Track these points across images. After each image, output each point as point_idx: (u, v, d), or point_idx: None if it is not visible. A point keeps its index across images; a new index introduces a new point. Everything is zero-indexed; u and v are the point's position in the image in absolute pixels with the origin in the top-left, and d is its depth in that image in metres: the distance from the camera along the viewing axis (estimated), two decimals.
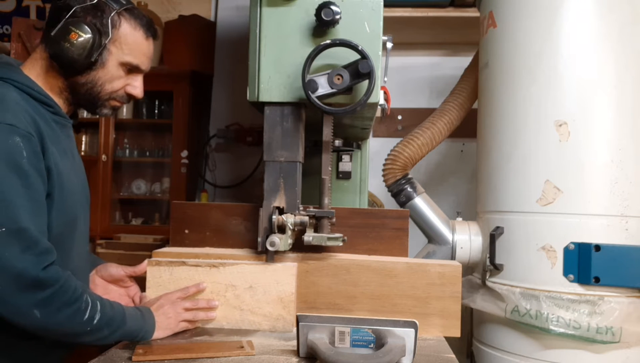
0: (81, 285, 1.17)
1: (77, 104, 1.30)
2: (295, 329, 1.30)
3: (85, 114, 3.08)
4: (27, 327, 1.10)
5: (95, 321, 1.15)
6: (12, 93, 1.15)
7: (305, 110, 1.42)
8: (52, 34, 1.18)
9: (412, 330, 1.19)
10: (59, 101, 1.25)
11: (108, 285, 1.44)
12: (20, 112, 1.13)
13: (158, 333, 1.30)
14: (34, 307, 1.07)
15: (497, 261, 1.69)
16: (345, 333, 1.22)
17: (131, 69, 1.28)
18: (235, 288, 1.43)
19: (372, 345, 1.21)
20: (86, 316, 1.13)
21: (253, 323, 1.43)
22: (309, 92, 1.29)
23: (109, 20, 1.20)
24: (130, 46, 1.24)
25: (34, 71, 1.23)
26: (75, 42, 1.17)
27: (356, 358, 1.12)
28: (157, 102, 3.25)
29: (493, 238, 1.70)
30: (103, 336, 1.18)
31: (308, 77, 1.30)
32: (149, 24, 1.28)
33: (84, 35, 1.17)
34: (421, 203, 1.96)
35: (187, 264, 1.44)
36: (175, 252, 1.50)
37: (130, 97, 1.32)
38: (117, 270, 1.44)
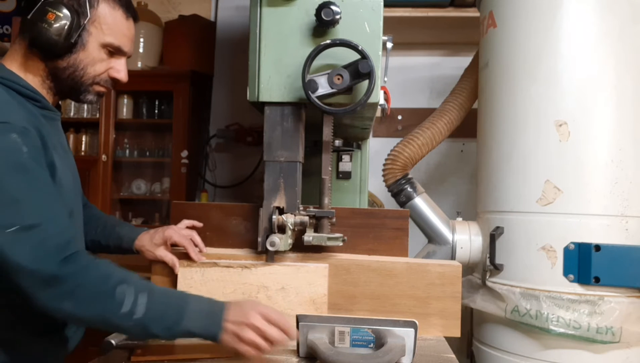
0: (121, 276, 1.09)
1: (61, 93, 1.25)
2: None
3: (85, 113, 3.12)
4: (66, 320, 1.08)
5: (135, 316, 1.06)
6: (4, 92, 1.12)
7: (305, 110, 1.42)
8: (29, 17, 1.14)
9: (412, 330, 1.19)
10: (42, 92, 1.22)
11: None
12: (12, 107, 1.10)
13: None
14: (62, 301, 1.04)
15: (497, 261, 1.69)
16: (345, 333, 1.22)
17: (113, 51, 1.23)
18: (267, 289, 1.42)
19: (371, 345, 1.21)
20: (123, 309, 1.06)
21: None
22: (309, 92, 1.29)
23: (87, 0, 1.17)
24: (110, 26, 1.21)
25: (15, 63, 1.20)
26: (52, 22, 1.13)
27: (356, 358, 1.12)
28: (157, 102, 3.24)
29: (493, 238, 1.70)
30: (152, 334, 1.09)
31: (308, 77, 1.30)
32: (128, 4, 1.25)
33: (62, 15, 1.13)
34: (421, 203, 1.96)
35: (219, 265, 1.43)
36: (175, 252, 1.49)
37: (114, 81, 1.27)
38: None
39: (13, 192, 1.04)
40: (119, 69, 1.26)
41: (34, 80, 1.20)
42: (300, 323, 1.20)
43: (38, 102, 1.19)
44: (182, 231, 1.49)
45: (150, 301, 1.08)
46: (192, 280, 1.43)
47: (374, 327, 1.21)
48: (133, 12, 1.26)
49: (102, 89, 1.26)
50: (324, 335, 1.18)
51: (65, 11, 1.14)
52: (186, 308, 1.10)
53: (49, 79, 1.21)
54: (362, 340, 1.22)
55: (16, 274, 1.03)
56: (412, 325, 1.20)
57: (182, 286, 1.43)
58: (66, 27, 1.14)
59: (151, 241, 1.46)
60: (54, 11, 1.13)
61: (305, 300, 1.42)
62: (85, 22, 1.17)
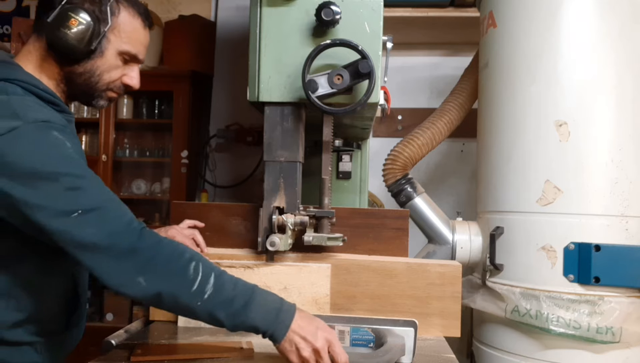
0: (193, 253, 1.11)
1: (73, 96, 1.25)
2: None
3: (86, 113, 3.12)
4: (136, 298, 1.06)
5: (206, 295, 1.06)
6: (24, 95, 1.12)
7: (305, 110, 1.42)
8: (49, 20, 1.14)
9: (412, 330, 1.19)
10: (57, 95, 1.21)
11: None
12: (45, 108, 1.12)
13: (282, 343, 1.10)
14: (137, 275, 1.04)
15: (497, 261, 1.69)
16: (345, 333, 1.22)
17: (129, 59, 1.24)
18: (270, 290, 1.41)
19: (371, 345, 1.21)
20: (193, 287, 1.06)
21: None
22: (309, 92, 1.29)
23: (108, 8, 1.17)
24: (128, 34, 1.21)
25: (31, 64, 1.19)
26: (74, 28, 1.12)
27: (356, 358, 1.12)
28: (157, 102, 3.25)
29: (493, 238, 1.70)
30: (217, 319, 1.07)
31: (308, 77, 1.30)
32: (146, 13, 1.26)
33: (84, 22, 1.13)
34: (421, 203, 1.96)
35: (221, 265, 1.42)
36: None
37: (126, 87, 1.28)
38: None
39: (67, 182, 1.05)
40: (133, 76, 1.26)
41: (49, 83, 1.20)
42: None
43: (57, 106, 1.18)
44: (185, 231, 1.49)
45: (219, 282, 1.08)
46: None
47: (374, 327, 1.21)
48: (150, 21, 1.27)
49: (114, 95, 1.27)
50: None
51: (87, 18, 1.14)
52: (254, 298, 1.10)
53: (63, 83, 1.21)
54: (362, 340, 1.22)
55: (88, 254, 1.04)
56: (411, 324, 1.20)
57: None
58: (87, 33, 1.14)
59: None
60: (76, 17, 1.13)
61: (307, 300, 1.42)
62: (105, 29, 1.17)
